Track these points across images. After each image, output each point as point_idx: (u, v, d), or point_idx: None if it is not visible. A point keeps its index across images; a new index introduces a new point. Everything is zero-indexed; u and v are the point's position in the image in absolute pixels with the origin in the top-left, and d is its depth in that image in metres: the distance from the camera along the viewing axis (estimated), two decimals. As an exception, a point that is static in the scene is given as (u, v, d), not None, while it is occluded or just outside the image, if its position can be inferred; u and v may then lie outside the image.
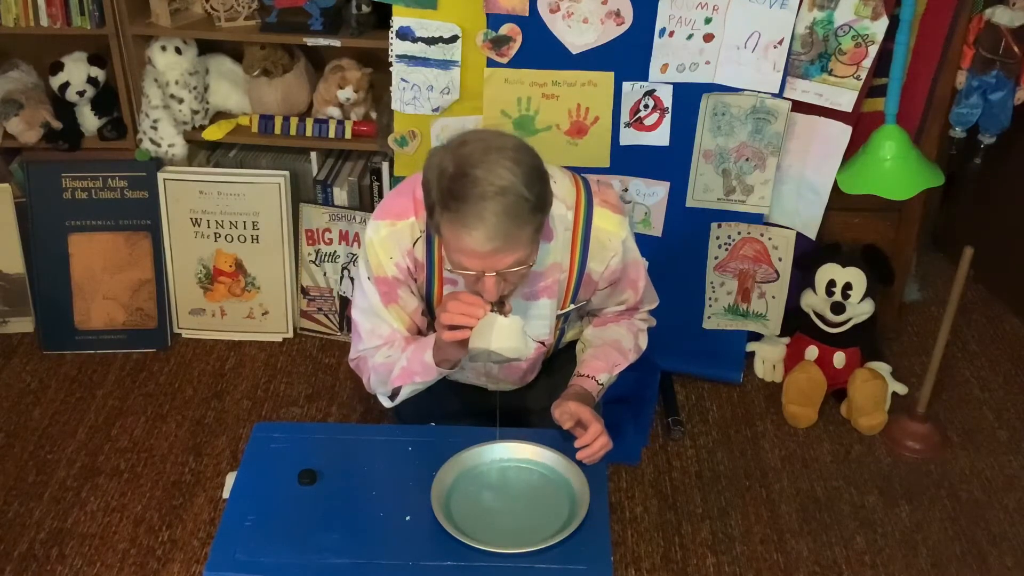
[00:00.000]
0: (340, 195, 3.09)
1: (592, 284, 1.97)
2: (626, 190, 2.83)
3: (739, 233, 2.90)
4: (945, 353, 2.75)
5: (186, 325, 3.18)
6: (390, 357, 1.94)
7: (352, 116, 3.00)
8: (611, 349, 2.03)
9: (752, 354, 3.07)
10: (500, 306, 1.73)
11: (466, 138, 1.70)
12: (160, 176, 3.04)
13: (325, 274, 3.12)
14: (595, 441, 1.80)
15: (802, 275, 2.96)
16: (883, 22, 2.54)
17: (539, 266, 1.87)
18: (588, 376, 1.97)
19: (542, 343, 2.01)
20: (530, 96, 2.70)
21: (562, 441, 1.86)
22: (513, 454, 1.85)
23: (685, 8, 2.58)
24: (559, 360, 2.13)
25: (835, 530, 2.56)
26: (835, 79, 2.63)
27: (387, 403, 2.00)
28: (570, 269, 1.93)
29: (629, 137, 2.75)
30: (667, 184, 2.82)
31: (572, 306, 1.98)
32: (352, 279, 3.04)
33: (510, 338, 1.70)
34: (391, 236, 1.88)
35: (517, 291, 1.82)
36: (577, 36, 2.62)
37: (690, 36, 2.62)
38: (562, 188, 1.87)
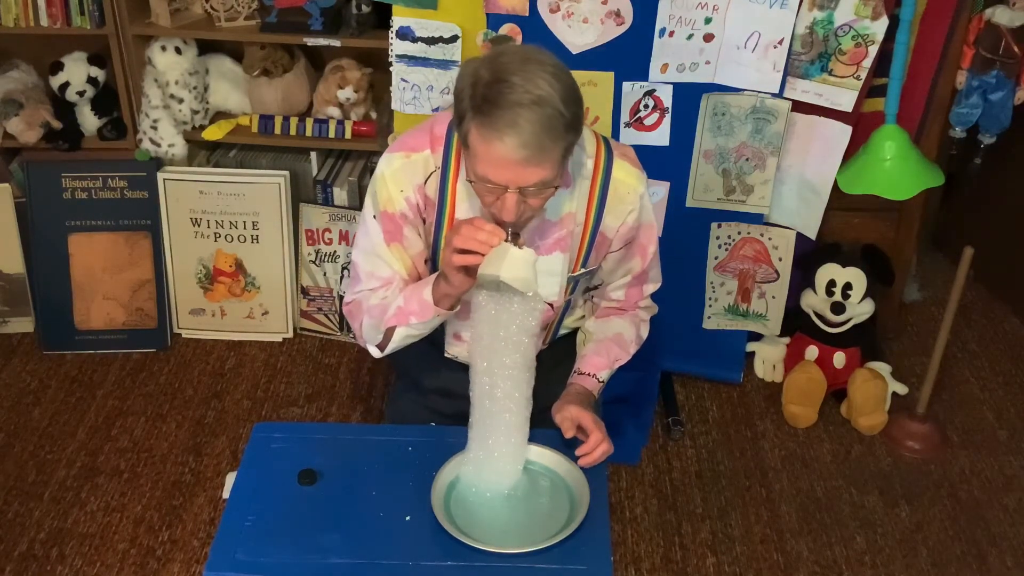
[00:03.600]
0: (340, 195, 3.09)
1: (605, 243, 1.92)
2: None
3: (739, 233, 2.90)
4: (945, 353, 2.75)
5: (186, 325, 3.18)
6: (386, 299, 1.88)
7: (352, 116, 3.00)
8: (612, 344, 2.00)
9: (752, 354, 3.07)
10: (514, 239, 1.67)
11: (503, 50, 1.65)
12: (160, 176, 3.04)
13: (325, 274, 3.12)
14: (596, 448, 1.79)
15: (802, 275, 2.96)
16: (883, 22, 2.54)
17: (554, 215, 1.83)
18: (589, 375, 1.96)
19: (550, 306, 1.96)
20: (530, 96, 2.70)
21: (562, 441, 1.85)
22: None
23: (685, 8, 2.58)
24: (555, 357, 2.10)
25: (835, 530, 2.56)
26: (835, 79, 2.63)
27: (376, 353, 1.93)
28: (585, 222, 1.88)
29: (629, 137, 2.75)
30: (667, 184, 2.82)
31: (582, 270, 1.93)
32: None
33: (522, 269, 1.64)
34: (404, 168, 1.83)
35: (530, 244, 1.78)
36: (577, 36, 2.62)
37: (690, 36, 2.62)
38: (583, 137, 1.81)
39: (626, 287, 2.04)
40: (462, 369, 2.04)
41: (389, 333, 1.88)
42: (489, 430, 1.76)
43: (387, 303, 1.87)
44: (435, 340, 2.06)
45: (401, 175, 1.83)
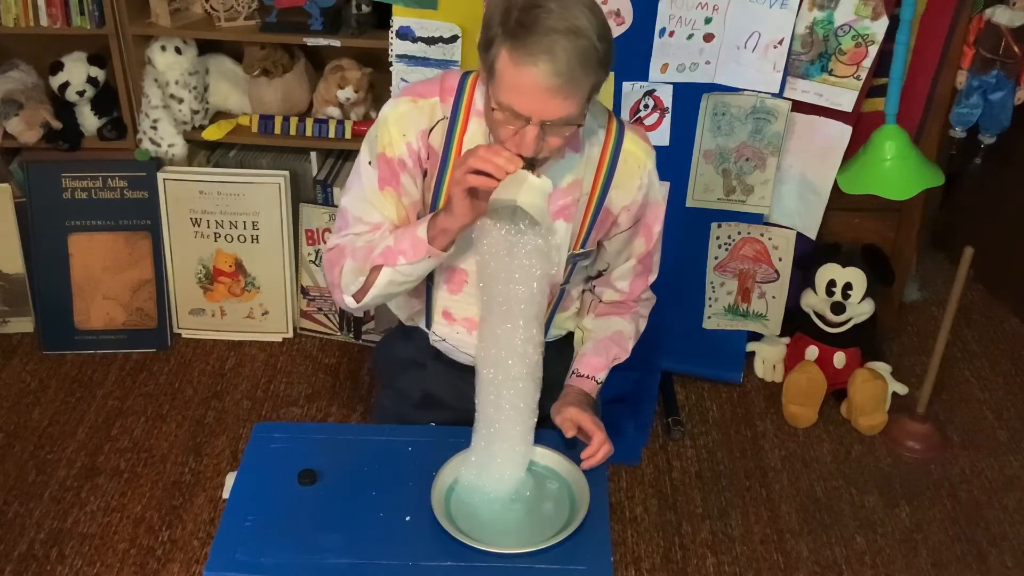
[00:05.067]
0: (340, 195, 3.08)
1: (609, 220, 1.87)
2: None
3: (739, 233, 2.90)
4: (945, 353, 2.75)
5: (186, 325, 3.18)
6: (372, 241, 1.80)
7: (352, 116, 3.00)
8: (611, 343, 1.97)
9: (752, 354, 3.07)
10: (530, 168, 1.63)
11: None
12: (160, 176, 3.04)
13: (325, 274, 3.12)
14: (598, 451, 1.79)
15: (802, 275, 2.96)
16: (883, 22, 2.54)
17: (559, 182, 1.79)
18: (587, 377, 1.95)
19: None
20: (530, 96, 2.70)
21: (560, 441, 1.85)
22: (513, 454, 1.85)
23: (685, 8, 2.58)
24: (550, 360, 2.07)
25: (835, 530, 2.56)
26: (835, 79, 2.63)
27: (352, 304, 1.86)
28: (592, 192, 1.83)
29: (629, 137, 2.75)
30: (667, 184, 2.81)
31: (582, 249, 1.88)
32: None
33: (538, 197, 1.60)
34: (410, 113, 1.78)
35: None
36: (577, 36, 2.62)
37: (690, 36, 2.62)
38: (595, 107, 1.78)
39: (631, 278, 2.00)
40: (449, 367, 2.03)
41: (372, 276, 1.80)
42: (493, 437, 1.76)
43: (374, 243, 1.81)
44: (418, 342, 2.04)
45: (406, 119, 1.79)
